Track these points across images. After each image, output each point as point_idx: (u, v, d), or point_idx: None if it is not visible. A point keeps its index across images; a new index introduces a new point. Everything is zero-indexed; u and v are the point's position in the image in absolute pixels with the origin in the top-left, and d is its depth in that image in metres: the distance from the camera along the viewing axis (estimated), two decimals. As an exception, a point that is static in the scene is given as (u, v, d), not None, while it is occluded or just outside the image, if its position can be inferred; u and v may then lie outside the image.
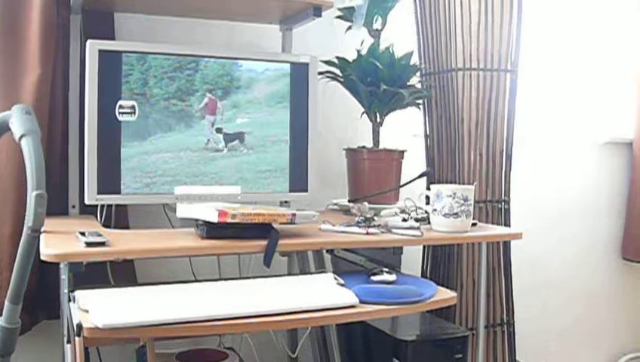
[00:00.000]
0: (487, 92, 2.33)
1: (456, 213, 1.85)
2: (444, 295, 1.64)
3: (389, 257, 1.84)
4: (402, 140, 2.38)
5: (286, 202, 2.23)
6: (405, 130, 2.55)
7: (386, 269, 1.69)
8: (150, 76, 1.90)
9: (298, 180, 2.09)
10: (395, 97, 2.17)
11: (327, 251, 2.17)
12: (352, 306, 1.48)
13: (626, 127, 3.19)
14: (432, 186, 1.92)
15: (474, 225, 1.98)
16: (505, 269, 2.43)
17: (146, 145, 1.89)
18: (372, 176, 2.21)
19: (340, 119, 2.53)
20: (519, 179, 2.72)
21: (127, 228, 2.13)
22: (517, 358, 2.76)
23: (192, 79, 1.95)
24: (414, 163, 2.40)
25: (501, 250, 2.41)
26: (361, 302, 1.49)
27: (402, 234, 1.79)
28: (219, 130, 1.97)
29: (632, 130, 3.17)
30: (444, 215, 1.86)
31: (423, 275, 2.46)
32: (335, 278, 1.62)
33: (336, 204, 2.27)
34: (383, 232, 1.80)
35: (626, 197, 3.21)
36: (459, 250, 2.32)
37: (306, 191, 2.10)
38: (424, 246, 2.46)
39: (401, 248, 1.78)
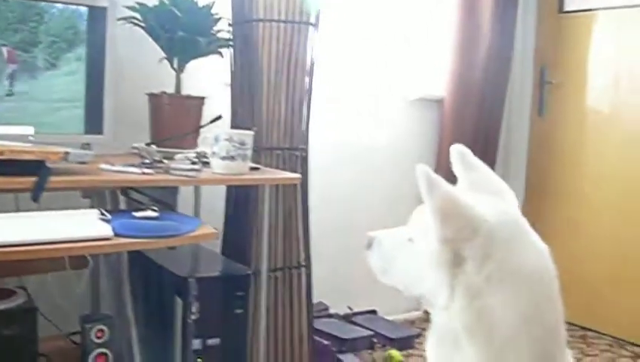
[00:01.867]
0: (288, 44, 2.42)
1: (232, 157, 1.94)
2: (205, 231, 1.74)
3: (167, 197, 1.92)
4: (214, 89, 2.45)
5: (88, 144, 2.25)
6: (219, 79, 2.62)
7: (154, 207, 1.77)
8: None
9: (94, 123, 2.13)
10: (193, 45, 2.23)
11: (122, 193, 2.22)
12: (106, 238, 1.55)
13: (437, 85, 3.37)
14: (212, 130, 2.00)
15: (256, 169, 2.08)
16: (303, 214, 2.55)
17: None
18: (171, 121, 2.26)
19: (149, 64, 2.55)
20: (332, 130, 2.87)
21: None
22: (321, 300, 2.92)
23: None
24: (224, 111, 2.46)
25: (299, 195, 2.52)
26: (117, 235, 1.57)
27: (178, 176, 1.86)
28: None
29: (442, 88, 3.35)
30: (222, 158, 1.95)
31: (227, 218, 2.55)
32: (103, 214, 1.69)
33: (136, 148, 2.32)
34: (158, 173, 1.87)
35: (435, 153, 3.40)
36: (256, 195, 2.41)
37: (102, 133, 2.15)
38: (227, 189, 2.54)
39: (177, 188, 1.87)
